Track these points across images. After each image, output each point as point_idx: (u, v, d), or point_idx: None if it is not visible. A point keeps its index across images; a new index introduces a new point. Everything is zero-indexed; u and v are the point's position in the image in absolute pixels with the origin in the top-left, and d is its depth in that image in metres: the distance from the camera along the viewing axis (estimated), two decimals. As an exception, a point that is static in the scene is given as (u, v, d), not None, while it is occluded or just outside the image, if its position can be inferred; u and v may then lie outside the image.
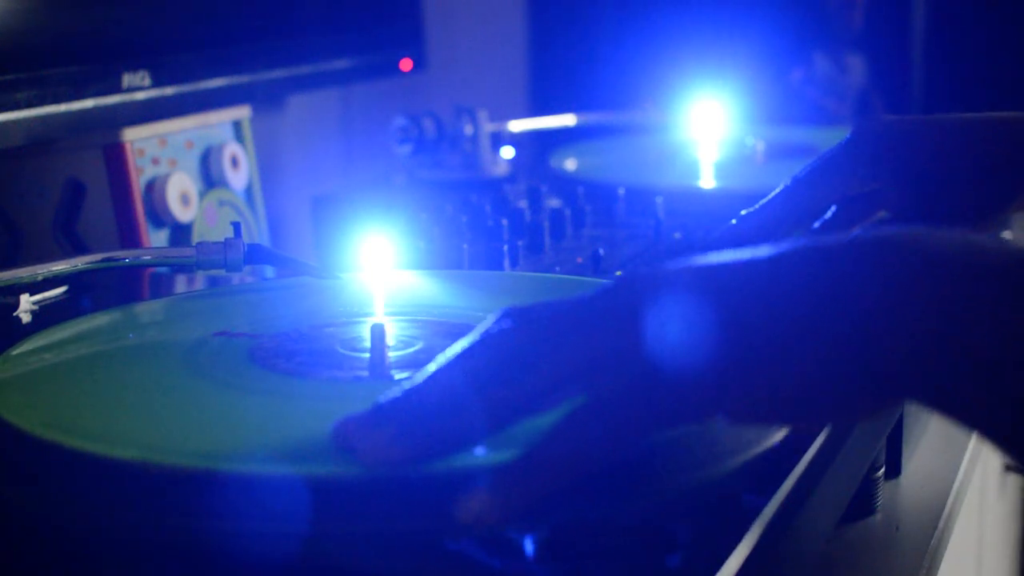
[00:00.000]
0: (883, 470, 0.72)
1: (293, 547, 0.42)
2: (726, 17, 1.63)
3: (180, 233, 0.93)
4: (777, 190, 0.74)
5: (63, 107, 0.83)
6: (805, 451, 0.50)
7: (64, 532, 0.45)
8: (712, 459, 0.48)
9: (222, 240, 0.74)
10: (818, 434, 0.51)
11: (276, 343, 0.61)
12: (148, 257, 0.76)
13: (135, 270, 0.83)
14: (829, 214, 0.76)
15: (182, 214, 0.92)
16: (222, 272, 0.74)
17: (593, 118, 1.30)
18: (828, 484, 0.52)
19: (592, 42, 1.70)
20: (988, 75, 1.73)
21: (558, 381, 0.44)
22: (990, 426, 0.42)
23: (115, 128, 0.89)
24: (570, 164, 1.13)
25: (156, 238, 0.91)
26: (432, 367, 0.45)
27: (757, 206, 0.74)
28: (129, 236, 0.89)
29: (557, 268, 0.80)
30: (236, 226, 0.75)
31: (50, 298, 0.76)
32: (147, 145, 0.92)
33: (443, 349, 0.46)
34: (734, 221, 0.74)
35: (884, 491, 0.73)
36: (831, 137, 0.79)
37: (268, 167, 1.12)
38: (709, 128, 1.18)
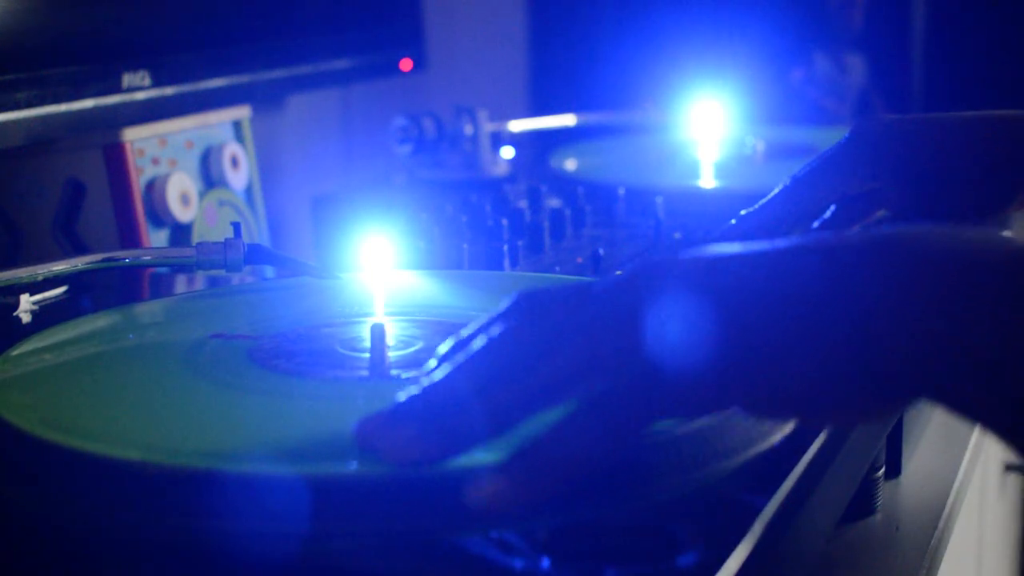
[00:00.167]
0: (883, 470, 0.72)
1: (293, 547, 0.42)
2: (726, 17, 1.63)
3: (180, 233, 0.93)
4: (777, 190, 0.74)
5: (63, 107, 0.83)
6: (805, 451, 0.50)
7: (64, 532, 0.45)
8: (712, 459, 0.48)
9: (222, 240, 0.74)
10: (818, 434, 0.51)
11: (276, 343, 0.61)
12: (148, 257, 0.76)
13: (135, 270, 0.83)
14: (829, 213, 0.76)
15: (182, 214, 0.92)
16: (222, 272, 0.74)
17: (593, 118, 1.30)
18: (828, 484, 0.52)
19: (592, 42, 1.70)
20: (988, 75, 1.73)
21: (566, 379, 0.44)
22: (992, 423, 0.42)
23: (115, 128, 0.89)
24: (570, 164, 1.13)
25: (156, 238, 0.91)
26: (448, 366, 0.45)
27: (757, 206, 0.74)
28: (129, 236, 0.89)
29: (557, 268, 0.80)
30: (236, 226, 0.75)
31: (50, 298, 0.76)
32: (147, 145, 0.91)
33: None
34: (734, 221, 0.74)
35: (884, 491, 0.73)
36: (831, 137, 0.79)
37: (268, 167, 1.12)
38: (709, 128, 1.18)
